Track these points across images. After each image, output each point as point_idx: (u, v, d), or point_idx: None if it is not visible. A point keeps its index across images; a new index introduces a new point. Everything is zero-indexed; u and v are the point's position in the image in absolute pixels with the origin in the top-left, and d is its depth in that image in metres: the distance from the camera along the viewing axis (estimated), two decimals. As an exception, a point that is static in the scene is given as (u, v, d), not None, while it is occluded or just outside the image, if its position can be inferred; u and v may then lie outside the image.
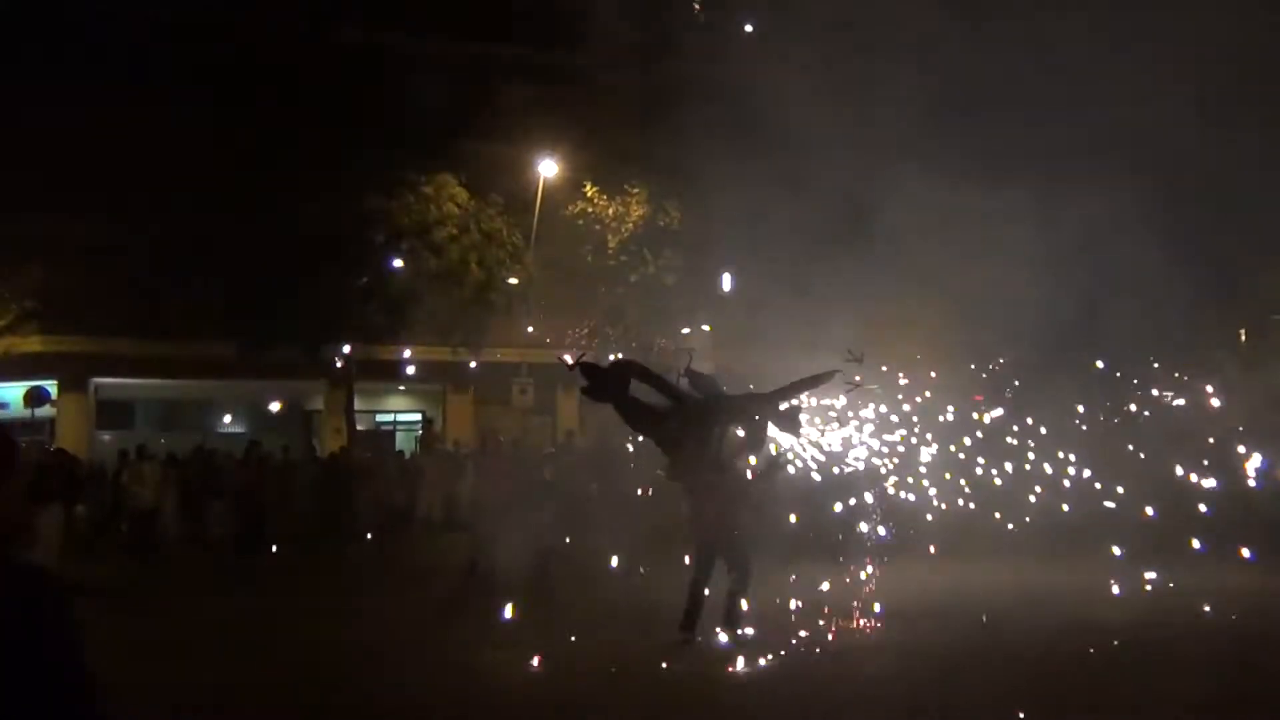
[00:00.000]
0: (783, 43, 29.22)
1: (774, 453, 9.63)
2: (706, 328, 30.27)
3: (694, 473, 8.87)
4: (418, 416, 29.45)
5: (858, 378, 8.88)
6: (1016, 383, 15.77)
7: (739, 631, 8.67)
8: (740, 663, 8.19)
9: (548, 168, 22.81)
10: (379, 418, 29.46)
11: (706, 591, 8.80)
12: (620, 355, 16.53)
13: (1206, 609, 9.83)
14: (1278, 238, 28.95)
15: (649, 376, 9.51)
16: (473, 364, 23.51)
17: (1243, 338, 53.15)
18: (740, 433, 8.84)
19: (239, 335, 21.47)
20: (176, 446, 20.71)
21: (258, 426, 26.96)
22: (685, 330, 27.55)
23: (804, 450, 11.98)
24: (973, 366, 17.82)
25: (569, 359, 8.75)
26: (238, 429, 27.94)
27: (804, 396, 9.14)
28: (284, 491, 16.76)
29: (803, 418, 9.32)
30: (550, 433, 26.75)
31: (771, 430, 9.10)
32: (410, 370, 22.87)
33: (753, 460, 9.20)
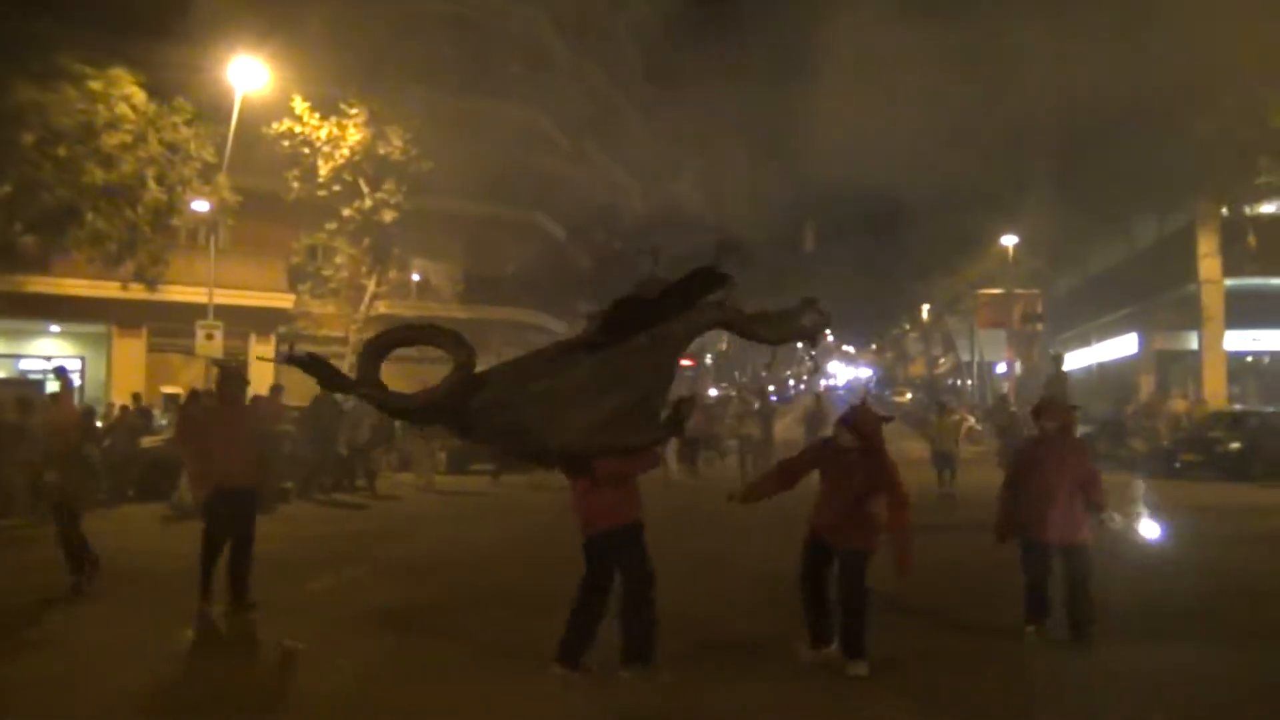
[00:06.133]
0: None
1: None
2: (416, 277, 28.00)
3: (545, 449, 5.49)
4: (78, 363, 25.05)
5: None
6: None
7: (650, 664, 5.96)
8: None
9: (248, 73, 19.43)
10: (24, 364, 24.78)
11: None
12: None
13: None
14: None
15: (430, 335, 6.02)
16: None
17: (924, 313, 60.23)
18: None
19: None
20: None
21: None
22: (399, 273, 25.21)
23: None
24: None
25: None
26: None
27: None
28: None
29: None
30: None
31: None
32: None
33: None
